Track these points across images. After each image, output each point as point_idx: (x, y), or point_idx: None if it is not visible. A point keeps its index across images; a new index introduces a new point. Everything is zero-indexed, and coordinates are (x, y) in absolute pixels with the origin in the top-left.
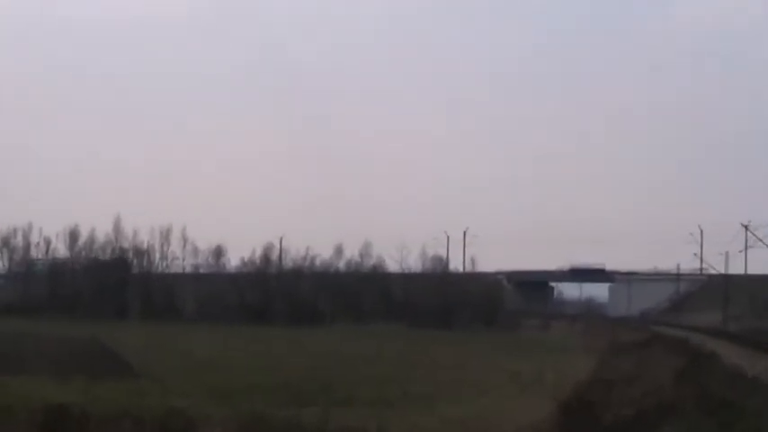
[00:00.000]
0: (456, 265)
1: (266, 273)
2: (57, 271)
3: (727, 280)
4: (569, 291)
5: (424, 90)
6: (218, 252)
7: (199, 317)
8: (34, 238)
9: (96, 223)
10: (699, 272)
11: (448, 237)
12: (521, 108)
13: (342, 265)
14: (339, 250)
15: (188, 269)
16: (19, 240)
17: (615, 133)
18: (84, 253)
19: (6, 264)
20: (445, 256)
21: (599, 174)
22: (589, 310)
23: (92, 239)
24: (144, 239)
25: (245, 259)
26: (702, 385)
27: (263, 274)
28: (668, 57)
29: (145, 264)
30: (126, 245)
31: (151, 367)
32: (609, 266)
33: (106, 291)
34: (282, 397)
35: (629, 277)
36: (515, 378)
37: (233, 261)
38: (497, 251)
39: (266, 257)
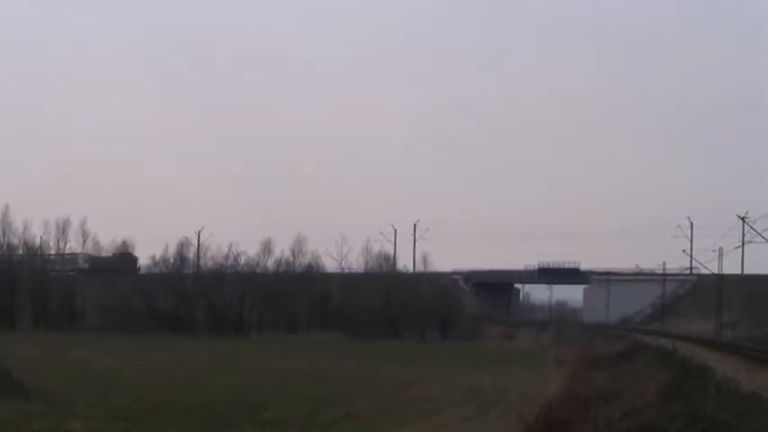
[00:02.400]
0: (405, 263)
1: (181, 273)
2: None
3: (720, 280)
4: (538, 293)
5: (365, 68)
6: (125, 249)
7: (102, 325)
8: None
9: None
10: (688, 271)
11: (395, 230)
12: (478, 88)
13: (271, 264)
14: (267, 247)
15: (89, 269)
16: None
17: (588, 114)
18: None
19: None
20: (392, 253)
21: (571, 159)
22: (561, 316)
23: None
24: (36, 234)
25: (157, 258)
26: (692, 404)
27: (177, 276)
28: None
29: (37, 263)
30: (15, 240)
31: (45, 386)
32: (584, 265)
33: None
34: (200, 419)
35: (608, 278)
36: (474, 395)
37: (142, 260)
38: (453, 248)
39: (181, 255)
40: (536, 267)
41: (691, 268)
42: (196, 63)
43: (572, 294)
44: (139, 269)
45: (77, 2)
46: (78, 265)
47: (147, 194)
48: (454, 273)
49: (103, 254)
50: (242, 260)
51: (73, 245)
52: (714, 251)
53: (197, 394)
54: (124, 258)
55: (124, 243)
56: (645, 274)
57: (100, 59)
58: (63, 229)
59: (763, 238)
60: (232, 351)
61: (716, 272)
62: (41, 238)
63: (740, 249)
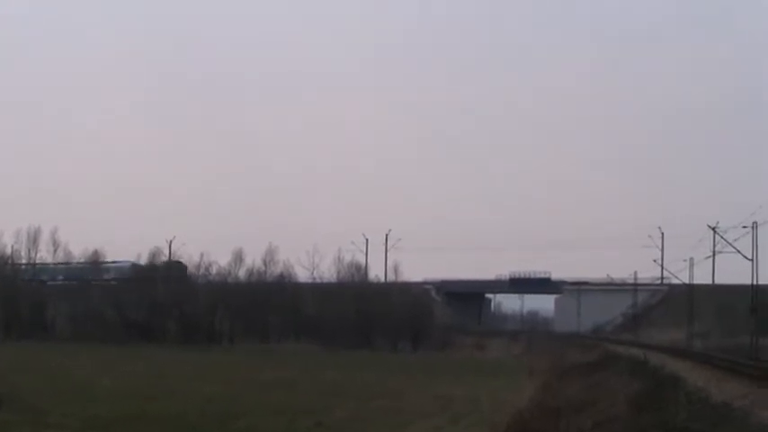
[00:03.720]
0: (377, 273)
1: (153, 283)
2: None
3: (691, 290)
4: (509, 303)
5: (337, 78)
6: (96, 258)
7: (73, 335)
8: None
9: None
10: (659, 281)
11: (367, 240)
12: (448, 97)
13: (242, 274)
14: (239, 257)
15: (60, 278)
16: None
17: (559, 124)
18: None
19: None
20: (364, 263)
21: (542, 170)
22: (532, 326)
23: None
24: (7, 243)
25: (62, 268)
26: (663, 414)
27: (148, 285)
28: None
29: (8, 272)
30: None
31: (17, 394)
32: (555, 275)
33: None
34: (172, 429)
35: (579, 288)
36: (446, 406)
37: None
38: (425, 258)
39: (153, 265)
40: (507, 277)
41: (662, 278)
42: (167, 72)
43: (543, 304)
44: (189, 277)
45: None
46: (121, 274)
47: (118, 204)
48: (426, 283)
49: (74, 263)
50: (213, 270)
51: (44, 254)
52: (685, 261)
53: (169, 404)
54: (173, 266)
55: (95, 252)
56: (616, 284)
57: (65, 65)
58: (34, 238)
59: (734, 248)
60: (204, 361)
61: (687, 282)
62: (12, 247)
63: (711, 260)
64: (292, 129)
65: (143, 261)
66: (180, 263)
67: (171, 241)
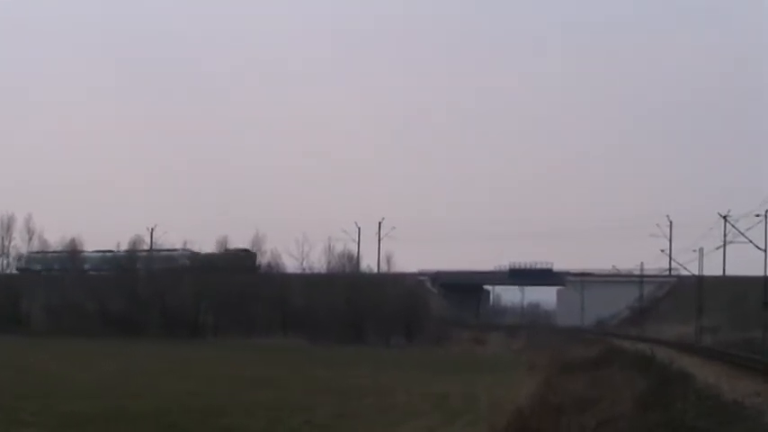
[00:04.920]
0: (369, 264)
1: (133, 273)
2: None
3: (701, 282)
4: (509, 296)
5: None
6: (73, 247)
7: (49, 328)
8: None
9: None
10: (667, 272)
11: (359, 229)
12: (448, 83)
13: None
14: (223, 245)
15: (36, 268)
16: None
17: (561, 108)
18: None
19: None
20: (356, 252)
21: (543, 155)
22: (533, 320)
23: None
24: None
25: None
26: (671, 412)
27: (128, 276)
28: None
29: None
30: None
31: None
32: (557, 266)
33: None
34: (151, 427)
35: (582, 279)
36: (442, 403)
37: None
38: (420, 248)
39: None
40: (507, 268)
41: (670, 269)
42: (148, 56)
43: (545, 296)
44: (259, 267)
45: None
46: (178, 261)
47: (96, 190)
48: (421, 273)
49: (50, 252)
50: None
51: (18, 242)
52: (694, 251)
53: (149, 401)
54: (241, 256)
55: (72, 241)
56: (622, 276)
57: (44, 53)
58: (8, 226)
59: (746, 238)
60: (187, 356)
61: (696, 273)
62: None
63: (721, 250)
64: (279, 112)
65: (122, 249)
66: (248, 251)
67: (152, 229)
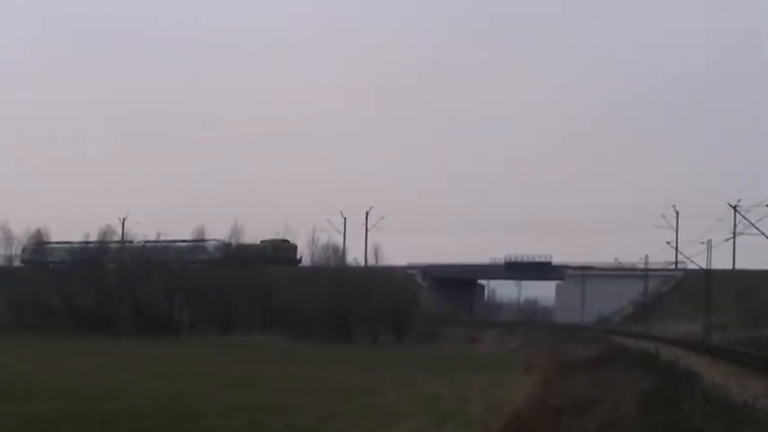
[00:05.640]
0: (356, 256)
1: (103, 266)
2: None
3: (709, 276)
4: (505, 291)
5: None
6: (39, 239)
7: (14, 324)
8: None
9: None
10: (673, 266)
11: (345, 219)
12: (438, 65)
13: (204, 255)
14: (200, 236)
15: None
16: None
17: (560, 92)
18: None
19: None
20: (341, 244)
21: (541, 142)
22: (530, 316)
23: None
24: None
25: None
26: (676, 414)
27: (98, 268)
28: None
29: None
30: None
31: None
32: (556, 259)
33: None
34: (123, 429)
35: (583, 273)
36: (433, 405)
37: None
38: (410, 239)
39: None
40: (502, 261)
41: (676, 263)
42: (116, 38)
43: (543, 292)
44: (300, 260)
45: None
46: (208, 254)
47: (64, 178)
48: (410, 267)
49: (15, 245)
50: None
51: None
52: (702, 243)
53: (119, 403)
54: (281, 247)
55: (38, 231)
56: (625, 270)
57: (14, 38)
58: None
59: (758, 229)
60: (160, 354)
61: (704, 267)
62: None
63: (731, 242)
64: (261, 94)
65: (92, 239)
66: (287, 241)
67: (124, 219)
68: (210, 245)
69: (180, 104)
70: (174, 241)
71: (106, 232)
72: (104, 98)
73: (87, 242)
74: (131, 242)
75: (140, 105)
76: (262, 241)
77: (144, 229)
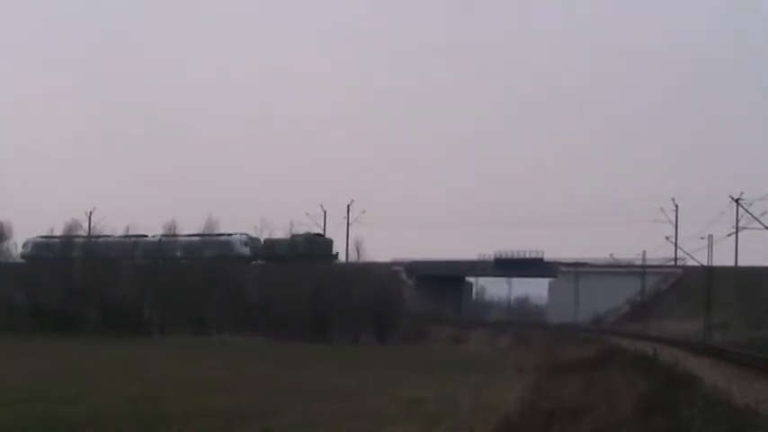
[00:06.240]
0: (336, 251)
1: (69, 263)
2: None
3: (710, 273)
4: (494, 289)
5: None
6: (1, 233)
7: None
8: None
9: None
10: (672, 262)
11: (325, 213)
12: (427, 58)
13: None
14: (172, 231)
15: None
16: None
17: (552, 80)
18: None
19: None
20: None
21: (532, 132)
22: (521, 315)
23: None
24: None
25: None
26: (675, 418)
27: (64, 265)
28: None
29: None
30: None
31: None
32: (548, 255)
33: None
34: None
35: (577, 270)
36: (416, 409)
37: (21, 246)
38: (394, 234)
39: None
40: (492, 257)
41: (675, 259)
42: (86, 28)
43: (535, 289)
44: (336, 256)
45: None
46: (235, 250)
47: (27, 170)
48: (394, 263)
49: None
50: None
51: None
52: (703, 239)
53: (86, 407)
54: (315, 241)
55: (1, 225)
56: (621, 266)
57: None
58: None
59: (761, 223)
60: (130, 356)
61: (705, 263)
62: None
63: (733, 237)
64: (235, 82)
65: (58, 234)
66: (322, 235)
67: (90, 213)
68: (236, 239)
69: (153, 95)
70: (189, 235)
71: (72, 226)
72: (75, 85)
73: (52, 236)
74: (98, 237)
75: (112, 96)
76: (293, 235)
77: (112, 223)
